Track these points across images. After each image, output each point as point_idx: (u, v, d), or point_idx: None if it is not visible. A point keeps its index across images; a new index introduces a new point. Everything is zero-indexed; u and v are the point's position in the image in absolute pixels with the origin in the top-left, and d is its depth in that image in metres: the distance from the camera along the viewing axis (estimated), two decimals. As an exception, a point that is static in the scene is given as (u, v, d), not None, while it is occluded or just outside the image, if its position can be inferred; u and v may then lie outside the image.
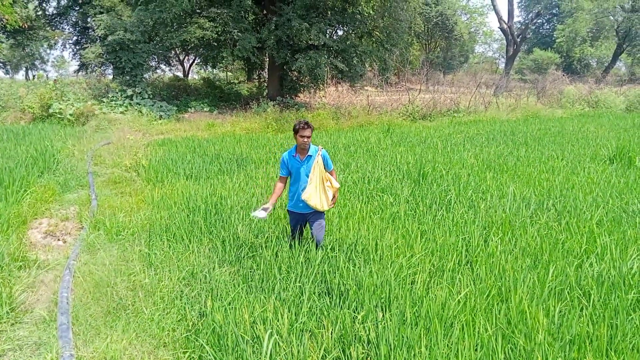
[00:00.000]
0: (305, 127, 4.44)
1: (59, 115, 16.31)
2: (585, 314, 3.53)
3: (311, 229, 4.72)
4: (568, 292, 3.88)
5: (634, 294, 3.78)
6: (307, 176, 4.50)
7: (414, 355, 3.06)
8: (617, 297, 3.69)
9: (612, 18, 47.26)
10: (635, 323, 3.41)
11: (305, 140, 4.43)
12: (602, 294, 3.78)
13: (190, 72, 36.67)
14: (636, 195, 6.81)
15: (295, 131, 4.46)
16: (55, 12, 27.54)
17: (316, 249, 4.58)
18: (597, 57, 53.88)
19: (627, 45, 46.94)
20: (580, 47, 49.36)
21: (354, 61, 21.21)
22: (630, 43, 46.69)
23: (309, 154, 4.55)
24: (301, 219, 4.75)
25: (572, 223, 5.52)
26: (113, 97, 18.56)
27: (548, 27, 57.62)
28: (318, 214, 4.65)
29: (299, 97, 23.10)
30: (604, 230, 5.29)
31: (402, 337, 3.19)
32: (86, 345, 3.47)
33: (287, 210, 4.86)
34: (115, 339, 3.47)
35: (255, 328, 3.35)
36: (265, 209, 4.49)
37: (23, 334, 3.67)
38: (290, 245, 4.71)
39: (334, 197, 4.63)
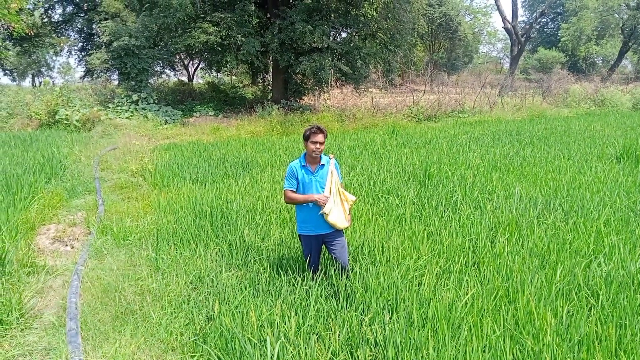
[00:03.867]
0: (317, 131, 3.88)
1: (65, 122, 16.45)
2: (594, 314, 3.51)
3: (332, 252, 4.11)
4: (576, 293, 3.86)
5: (643, 293, 3.75)
6: (322, 189, 4.01)
7: (422, 357, 3.05)
8: (625, 297, 3.67)
9: (617, 16, 46.98)
10: (644, 323, 3.39)
11: (318, 147, 3.89)
12: (610, 294, 3.76)
13: (194, 76, 36.81)
14: (644, 194, 6.76)
15: (306, 137, 3.92)
16: (60, 19, 27.74)
17: (342, 274, 4.07)
18: (602, 56, 53.55)
19: (633, 43, 46.62)
20: (585, 45, 49.08)
21: (358, 63, 21.22)
22: (636, 41, 46.36)
23: (321, 163, 4.04)
24: (317, 243, 4.12)
25: (579, 223, 5.49)
26: (119, 102, 18.68)
27: (552, 26, 57.33)
28: (337, 233, 4.08)
29: (304, 99, 23.14)
30: (612, 229, 5.26)
31: (410, 339, 3.18)
32: (95, 350, 3.49)
33: (300, 236, 4.20)
34: (124, 344, 3.49)
35: (262, 331, 3.36)
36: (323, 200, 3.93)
37: (33, 339, 3.70)
38: (314, 270, 4.18)
39: (349, 212, 4.13)
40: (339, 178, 4.12)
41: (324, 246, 4.22)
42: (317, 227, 4.02)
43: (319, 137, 3.88)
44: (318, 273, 4.15)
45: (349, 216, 4.10)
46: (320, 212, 3.93)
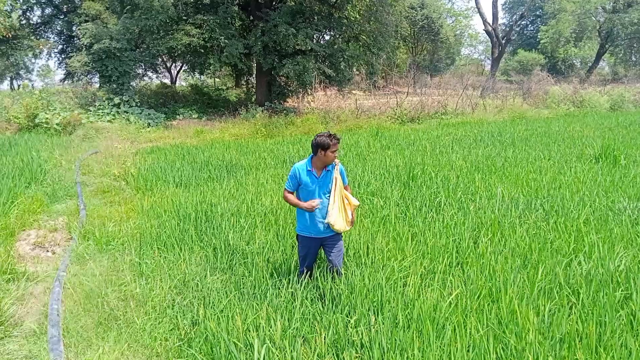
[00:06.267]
0: (337, 142, 3.83)
1: (45, 125, 16.14)
2: (575, 312, 3.58)
3: (329, 255, 4.10)
4: (557, 291, 3.93)
5: (621, 291, 3.83)
6: (325, 195, 3.96)
7: (407, 357, 3.07)
8: (605, 294, 3.74)
9: (594, 19, 48.00)
10: (623, 320, 3.47)
11: (336, 155, 3.89)
12: (590, 292, 3.83)
13: (177, 79, 36.53)
14: (622, 194, 6.91)
15: (325, 147, 3.80)
16: (39, 21, 27.30)
17: (336, 278, 4.04)
18: (580, 58, 54.63)
19: (610, 45, 47.70)
20: (564, 47, 50.04)
21: (342, 66, 21.29)
22: (613, 43, 47.46)
23: (327, 169, 3.98)
24: (316, 245, 4.10)
25: (560, 222, 5.59)
26: (100, 105, 18.43)
27: (532, 28, 58.34)
28: (337, 236, 4.10)
29: (288, 102, 23.12)
30: (591, 228, 5.37)
31: (395, 340, 3.20)
32: (77, 358, 3.45)
33: (298, 235, 4.16)
34: (107, 350, 3.45)
35: (248, 335, 3.35)
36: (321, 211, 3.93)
37: (13, 347, 3.63)
38: (306, 272, 4.09)
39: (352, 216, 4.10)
40: (344, 181, 4.10)
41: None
42: (319, 230, 4.00)
43: (338, 147, 3.87)
44: (304, 276, 4.13)
45: (351, 220, 4.08)
46: (326, 221, 3.91)
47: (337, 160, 4.01)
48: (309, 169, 3.95)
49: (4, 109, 17.79)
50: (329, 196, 3.96)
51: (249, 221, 5.95)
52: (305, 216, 4.01)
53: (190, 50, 19.44)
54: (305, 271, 4.12)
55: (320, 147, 3.83)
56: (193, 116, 20.68)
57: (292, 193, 4.02)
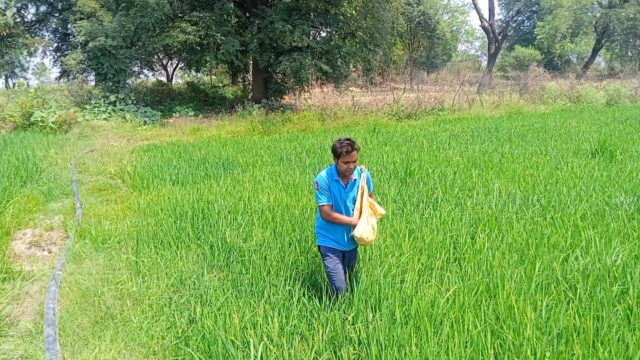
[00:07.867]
0: (350, 149, 3.42)
1: (41, 124, 16.06)
2: (572, 307, 3.58)
3: (347, 268, 3.93)
4: (555, 286, 3.93)
5: (618, 285, 3.84)
6: (353, 205, 3.70)
7: (405, 354, 3.07)
8: (602, 289, 3.75)
9: (590, 14, 48.02)
10: (620, 314, 3.47)
11: (352, 167, 3.51)
12: (587, 286, 3.84)
13: (173, 76, 36.35)
14: (618, 188, 6.92)
15: (337, 155, 3.48)
16: (34, 18, 27.10)
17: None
18: (577, 53, 54.71)
19: (606, 40, 47.72)
20: (560, 43, 50.12)
21: (338, 62, 21.24)
22: (609, 38, 47.47)
23: (353, 178, 3.68)
24: (340, 257, 3.82)
25: (556, 217, 5.59)
26: (96, 103, 18.35)
27: (528, 24, 58.40)
28: (357, 249, 4.04)
29: (284, 99, 23.08)
30: (588, 223, 5.37)
31: (393, 336, 3.20)
32: (74, 357, 3.43)
33: (325, 248, 3.75)
34: (104, 349, 3.43)
35: (245, 333, 3.34)
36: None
37: (8, 347, 3.61)
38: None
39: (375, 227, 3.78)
40: (370, 189, 3.81)
41: None
42: (346, 243, 3.78)
43: (353, 156, 3.46)
44: (337, 297, 3.71)
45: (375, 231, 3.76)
46: (352, 234, 3.63)
47: (362, 167, 3.72)
48: (335, 179, 3.63)
49: (-1, 108, 17.68)
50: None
51: (246, 219, 5.93)
52: (330, 230, 3.73)
53: (186, 48, 19.37)
54: (337, 291, 3.72)
55: (333, 154, 3.55)
56: (189, 114, 20.62)
57: (331, 206, 3.64)
